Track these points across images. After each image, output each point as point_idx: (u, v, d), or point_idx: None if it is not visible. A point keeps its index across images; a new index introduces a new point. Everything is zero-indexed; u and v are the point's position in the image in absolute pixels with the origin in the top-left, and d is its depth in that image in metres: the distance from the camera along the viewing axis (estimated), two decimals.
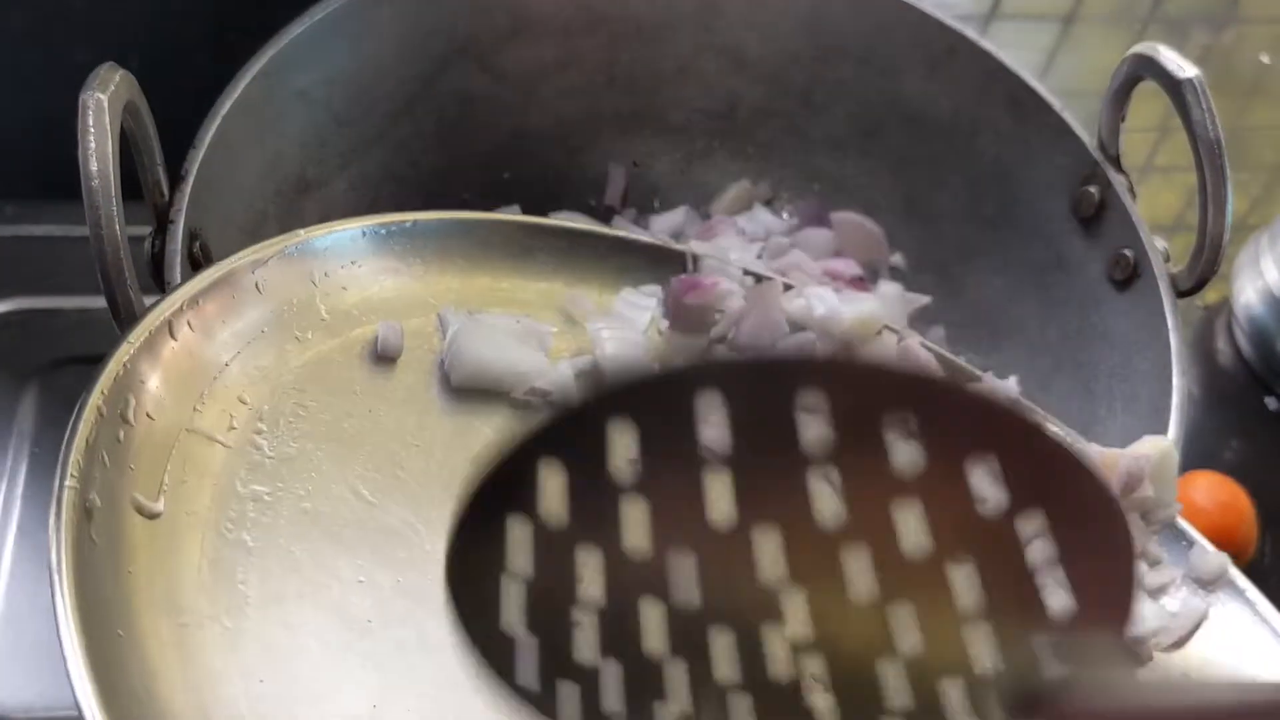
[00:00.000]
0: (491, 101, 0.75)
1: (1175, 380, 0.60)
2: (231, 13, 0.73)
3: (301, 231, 0.52)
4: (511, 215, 0.58)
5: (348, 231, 0.53)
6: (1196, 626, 0.50)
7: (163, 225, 0.57)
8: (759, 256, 0.70)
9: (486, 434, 0.50)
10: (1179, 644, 0.49)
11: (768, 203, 0.79)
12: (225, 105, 0.61)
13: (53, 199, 0.78)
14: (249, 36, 0.73)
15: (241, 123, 0.62)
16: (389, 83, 0.71)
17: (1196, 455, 0.61)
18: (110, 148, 0.49)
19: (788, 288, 0.57)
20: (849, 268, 0.72)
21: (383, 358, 0.51)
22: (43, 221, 0.80)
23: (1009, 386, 0.55)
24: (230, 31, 0.74)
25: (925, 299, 0.73)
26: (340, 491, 0.46)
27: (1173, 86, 0.61)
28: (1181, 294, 0.63)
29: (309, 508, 0.45)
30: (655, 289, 0.57)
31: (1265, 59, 1.22)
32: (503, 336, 0.52)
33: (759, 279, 0.57)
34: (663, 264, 0.58)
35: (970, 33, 0.72)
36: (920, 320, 0.75)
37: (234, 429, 0.47)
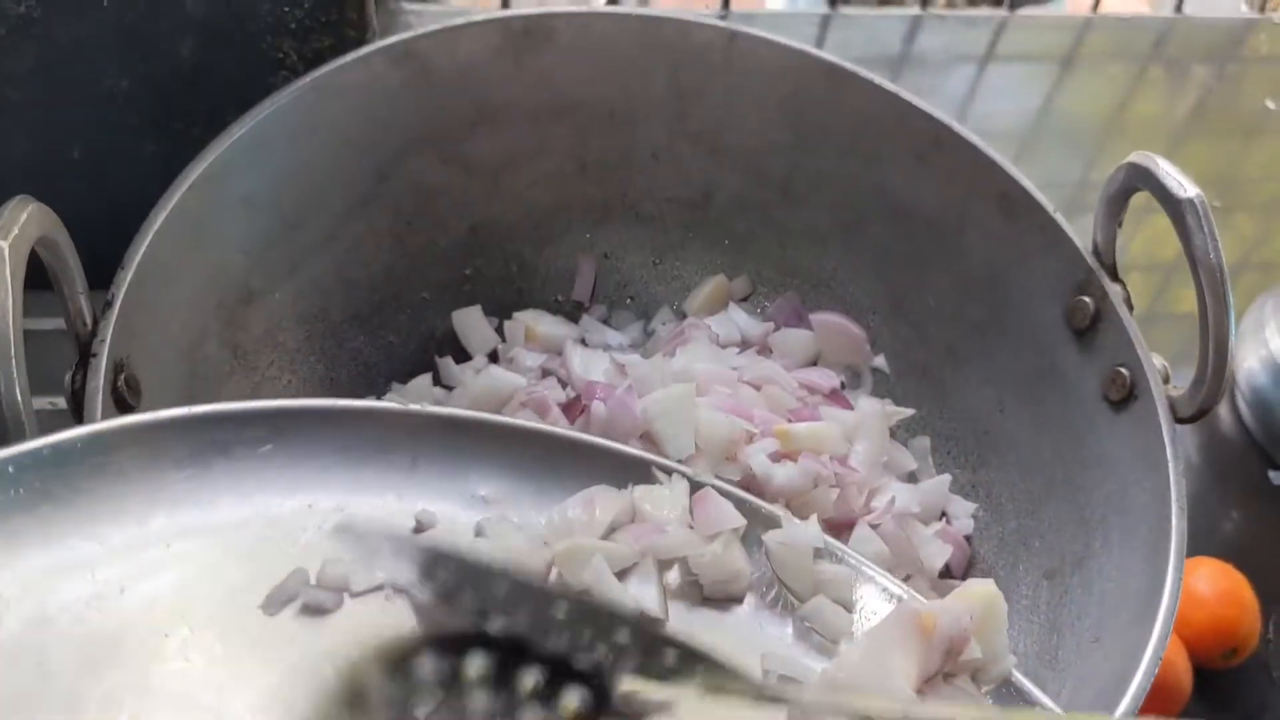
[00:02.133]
0: (452, 194, 0.71)
1: (1174, 521, 0.56)
2: (177, 102, 0.69)
3: None
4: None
5: None
6: None
7: (85, 358, 0.53)
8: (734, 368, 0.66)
9: None
10: None
11: (744, 299, 0.75)
12: (157, 220, 0.57)
13: None
14: (196, 125, 0.69)
15: (178, 234, 0.58)
16: (340, 180, 0.67)
17: (1197, 530, 0.58)
18: (11, 303, 0.45)
19: None
20: (826, 379, 0.67)
21: None
22: None
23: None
24: (177, 121, 0.70)
25: (909, 412, 0.68)
26: None
27: (1172, 205, 0.57)
28: (1181, 420, 0.59)
29: None
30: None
31: (1270, 104, 1.18)
32: None
33: None
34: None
35: (957, 125, 0.67)
36: (904, 430, 0.71)
37: None
